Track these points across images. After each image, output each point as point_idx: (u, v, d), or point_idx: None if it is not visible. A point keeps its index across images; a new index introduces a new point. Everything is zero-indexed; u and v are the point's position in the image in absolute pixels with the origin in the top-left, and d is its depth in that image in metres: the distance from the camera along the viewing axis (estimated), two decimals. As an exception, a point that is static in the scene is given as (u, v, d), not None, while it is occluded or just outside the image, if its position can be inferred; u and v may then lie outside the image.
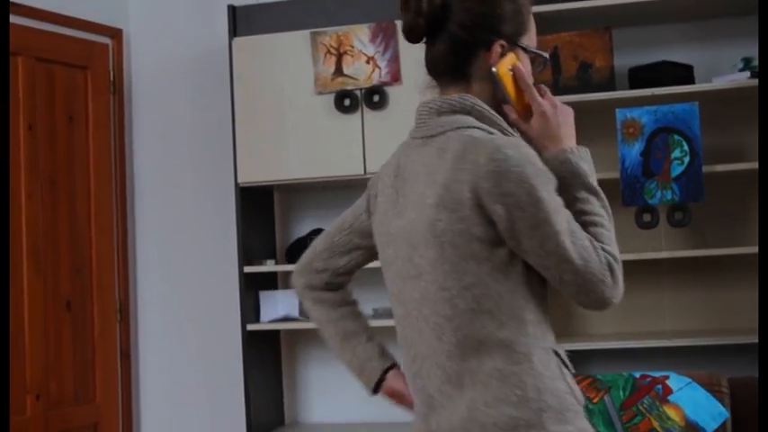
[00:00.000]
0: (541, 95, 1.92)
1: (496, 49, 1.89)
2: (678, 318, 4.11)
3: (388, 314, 4.27)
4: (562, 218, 1.74)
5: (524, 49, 1.93)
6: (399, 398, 2.06)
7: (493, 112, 1.89)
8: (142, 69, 4.84)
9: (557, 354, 1.82)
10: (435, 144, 1.86)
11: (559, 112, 1.90)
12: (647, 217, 3.81)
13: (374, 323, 4.16)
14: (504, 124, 1.90)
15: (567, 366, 1.83)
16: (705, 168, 3.75)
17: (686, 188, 3.73)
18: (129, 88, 4.82)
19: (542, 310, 1.82)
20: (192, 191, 4.75)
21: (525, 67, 1.93)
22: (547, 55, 1.99)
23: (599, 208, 1.82)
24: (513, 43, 1.91)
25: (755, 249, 3.72)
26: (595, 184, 1.84)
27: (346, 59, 4.13)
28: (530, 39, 1.95)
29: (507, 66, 1.89)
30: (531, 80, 1.91)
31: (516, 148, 1.76)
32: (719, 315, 4.07)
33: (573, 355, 2.00)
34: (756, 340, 3.60)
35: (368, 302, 4.46)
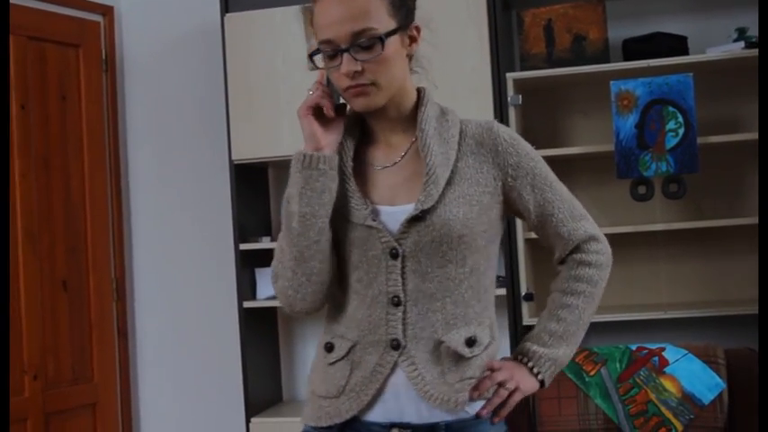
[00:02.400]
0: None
1: None
2: (674, 290, 4.12)
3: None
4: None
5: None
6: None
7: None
8: (134, 47, 4.82)
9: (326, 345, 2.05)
10: None
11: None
12: (642, 189, 3.81)
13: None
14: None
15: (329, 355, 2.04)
16: (700, 140, 3.74)
17: (681, 160, 3.73)
18: (121, 66, 4.80)
19: (333, 307, 2.06)
20: (186, 168, 4.74)
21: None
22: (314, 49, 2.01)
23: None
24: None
25: (750, 220, 3.72)
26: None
27: (339, 35, 4.11)
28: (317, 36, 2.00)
29: None
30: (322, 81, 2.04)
31: None
32: (715, 287, 4.08)
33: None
34: (753, 311, 3.61)
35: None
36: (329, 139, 2.02)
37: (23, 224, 4.19)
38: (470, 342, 1.94)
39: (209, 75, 4.61)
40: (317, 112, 2.03)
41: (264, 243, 4.26)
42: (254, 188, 4.47)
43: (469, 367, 1.94)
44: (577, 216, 2.04)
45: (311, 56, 2.01)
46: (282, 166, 4.50)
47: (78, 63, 4.55)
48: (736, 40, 3.84)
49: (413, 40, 2.00)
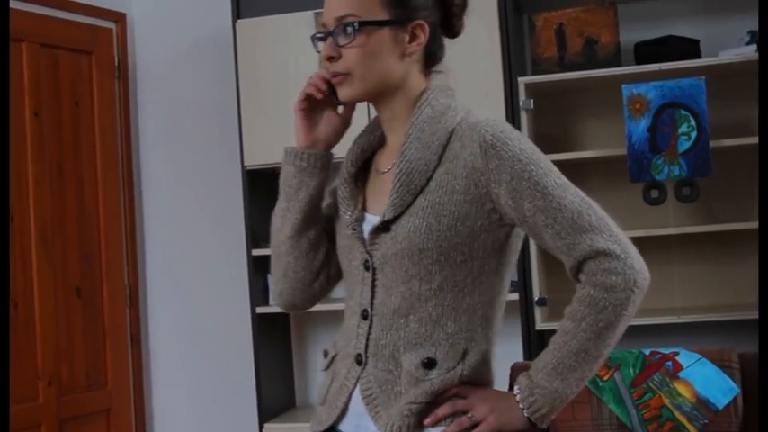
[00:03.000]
0: None
1: None
2: (687, 294, 4.10)
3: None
4: None
5: None
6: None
7: None
8: (146, 53, 4.83)
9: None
10: None
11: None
12: (654, 193, 3.80)
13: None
14: None
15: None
16: (712, 143, 3.73)
17: (694, 163, 3.72)
18: (133, 72, 4.82)
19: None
20: (199, 174, 4.75)
21: None
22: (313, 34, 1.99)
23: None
24: None
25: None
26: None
27: (351, 40, 4.11)
28: None
29: None
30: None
31: None
32: (729, 290, 4.06)
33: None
34: None
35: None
36: (319, 135, 2.00)
37: (37, 231, 4.20)
38: (427, 364, 1.78)
39: (220, 81, 4.62)
40: (315, 105, 2.00)
41: (277, 248, 4.26)
42: (267, 193, 4.46)
43: (421, 391, 1.78)
44: (582, 227, 1.74)
45: (312, 39, 1.99)
46: (294, 171, 4.50)
47: (91, 70, 4.57)
48: (748, 43, 3.83)
49: (414, 38, 1.89)
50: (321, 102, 1.99)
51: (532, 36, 4.03)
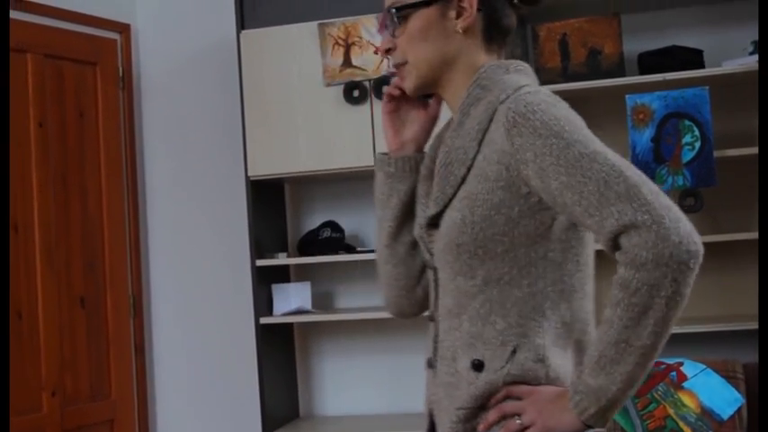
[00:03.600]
0: None
1: None
2: (692, 303, 4.04)
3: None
4: None
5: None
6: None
7: None
8: (151, 64, 4.84)
9: None
10: None
11: None
12: (658, 203, 3.80)
13: (387, 315, 4.17)
14: None
15: None
16: (716, 153, 3.73)
17: (698, 173, 3.72)
18: (138, 83, 4.83)
19: None
20: (203, 185, 4.76)
21: None
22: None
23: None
24: None
25: (769, 234, 3.70)
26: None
27: (354, 50, 4.12)
28: None
29: None
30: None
31: None
32: (733, 300, 4.06)
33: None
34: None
35: (380, 294, 4.46)
36: (407, 135, 1.90)
37: (41, 240, 4.20)
38: (477, 366, 1.69)
39: (225, 91, 4.62)
40: (401, 106, 1.90)
41: (281, 259, 4.26)
42: (271, 204, 4.48)
43: (468, 396, 1.69)
44: (609, 199, 1.53)
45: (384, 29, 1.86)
46: (299, 181, 4.51)
47: (95, 80, 4.57)
48: (751, 53, 3.83)
49: (461, 12, 1.76)
50: (407, 101, 1.89)
51: (536, 46, 4.03)
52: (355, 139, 4.11)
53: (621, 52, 3.91)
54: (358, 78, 4.11)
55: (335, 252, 4.26)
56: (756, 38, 3.90)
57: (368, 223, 4.50)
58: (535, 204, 1.64)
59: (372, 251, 4.23)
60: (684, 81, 3.81)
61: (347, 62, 4.13)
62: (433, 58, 1.77)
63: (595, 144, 1.59)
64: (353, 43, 4.13)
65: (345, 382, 4.55)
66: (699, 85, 3.76)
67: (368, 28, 4.11)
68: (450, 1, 1.76)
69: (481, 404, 1.68)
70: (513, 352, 1.66)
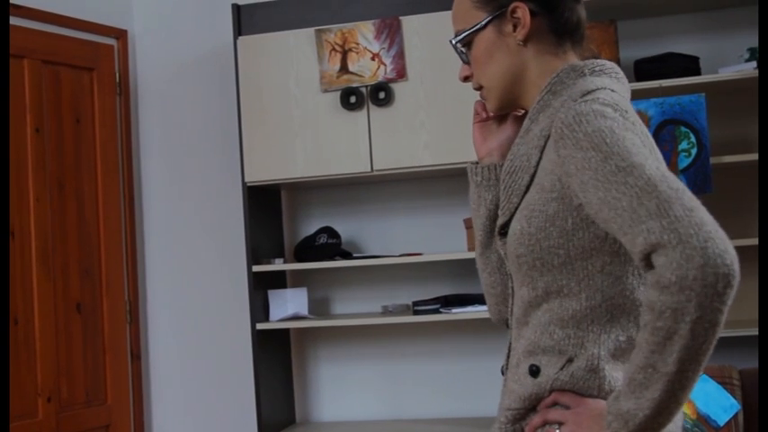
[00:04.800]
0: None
1: None
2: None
3: (398, 311, 4.27)
4: None
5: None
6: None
7: None
8: (148, 70, 4.85)
9: None
10: None
11: None
12: (655, 209, 3.80)
13: (383, 320, 4.17)
14: None
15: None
16: (713, 160, 3.74)
17: (694, 180, 3.72)
18: (134, 89, 4.83)
19: None
20: (200, 190, 4.76)
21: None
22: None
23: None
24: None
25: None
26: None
27: (351, 56, 4.13)
28: None
29: None
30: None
31: None
32: (731, 307, 4.05)
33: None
34: None
35: (377, 300, 4.46)
36: (493, 144, 1.90)
37: (38, 246, 4.20)
38: (534, 372, 1.67)
39: (222, 98, 4.63)
40: (496, 118, 1.91)
41: (277, 265, 4.26)
42: (268, 210, 4.48)
43: (516, 396, 1.71)
44: (642, 215, 1.45)
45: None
46: (295, 187, 4.51)
47: (92, 86, 4.58)
48: (747, 60, 3.84)
49: (517, 23, 1.75)
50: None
51: (533, 53, 4.03)
52: (352, 145, 4.11)
53: (618, 59, 3.91)
54: (355, 84, 4.11)
55: (332, 258, 4.26)
56: (752, 45, 3.91)
57: (364, 229, 4.50)
58: (588, 217, 1.61)
59: (369, 257, 4.24)
60: (681, 88, 3.81)
61: (344, 68, 4.13)
62: (503, 76, 1.78)
63: (635, 157, 1.52)
64: (350, 49, 4.13)
65: (342, 388, 4.55)
66: (695, 91, 3.77)
67: (364, 34, 4.12)
68: (502, 17, 1.76)
69: (529, 406, 1.68)
70: (569, 361, 1.65)
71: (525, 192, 1.69)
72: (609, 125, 1.56)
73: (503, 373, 1.82)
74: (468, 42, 1.79)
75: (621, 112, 1.60)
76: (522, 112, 1.86)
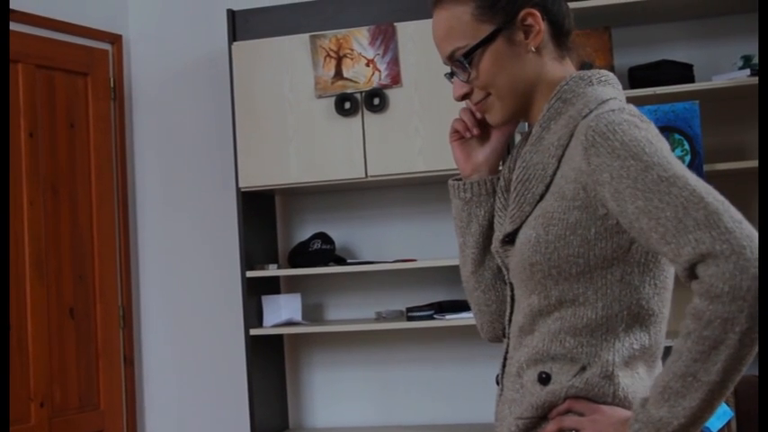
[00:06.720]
0: None
1: None
2: (681, 317, 4.10)
3: (392, 317, 4.27)
4: None
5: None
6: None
7: None
8: (142, 75, 4.84)
9: None
10: None
11: None
12: (649, 216, 3.80)
13: (377, 326, 4.17)
14: None
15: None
16: (706, 167, 3.74)
17: (688, 187, 3.72)
18: (129, 94, 4.82)
19: None
20: (194, 196, 4.75)
21: None
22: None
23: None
24: None
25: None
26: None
27: (346, 62, 4.13)
28: None
29: None
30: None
31: None
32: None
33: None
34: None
35: (371, 306, 4.46)
36: (478, 159, 1.85)
37: (31, 251, 4.20)
38: (544, 379, 1.65)
39: (216, 103, 4.63)
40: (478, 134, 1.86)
41: (271, 270, 4.26)
42: (262, 216, 4.48)
43: (527, 405, 1.67)
44: (687, 227, 1.46)
45: (449, 79, 1.82)
46: (289, 193, 4.51)
47: (87, 91, 4.57)
48: (741, 68, 3.85)
49: (529, 31, 1.71)
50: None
51: (527, 60, 4.04)
52: (346, 151, 4.11)
53: (612, 66, 3.92)
54: (349, 90, 4.12)
55: (326, 264, 4.26)
56: (746, 53, 3.92)
57: (358, 235, 4.50)
58: (613, 227, 1.60)
59: (363, 263, 4.24)
60: (674, 95, 3.82)
61: (338, 74, 4.13)
62: (515, 86, 1.73)
63: (676, 168, 1.53)
64: (345, 55, 4.13)
65: (335, 394, 4.54)
66: (689, 99, 3.78)
67: (359, 40, 4.12)
68: (512, 26, 1.71)
69: (541, 414, 1.65)
70: (583, 368, 1.64)
71: (538, 201, 1.67)
72: (644, 135, 1.56)
73: (497, 383, 1.80)
74: (467, 60, 1.73)
75: (648, 124, 1.61)
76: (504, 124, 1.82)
